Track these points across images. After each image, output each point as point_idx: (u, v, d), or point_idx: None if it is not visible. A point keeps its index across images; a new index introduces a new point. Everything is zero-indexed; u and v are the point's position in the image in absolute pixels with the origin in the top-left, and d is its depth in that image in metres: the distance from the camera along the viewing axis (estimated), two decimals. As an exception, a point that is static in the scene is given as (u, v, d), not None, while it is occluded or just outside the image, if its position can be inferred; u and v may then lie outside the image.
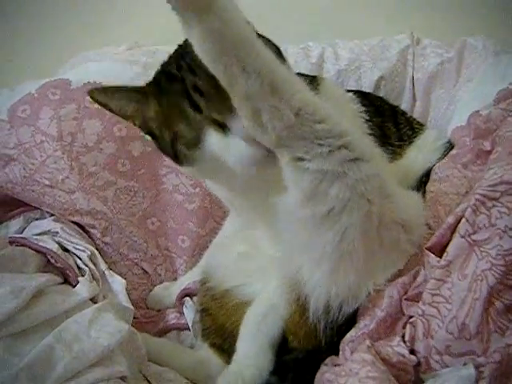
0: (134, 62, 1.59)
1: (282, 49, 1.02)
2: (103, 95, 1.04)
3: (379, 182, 0.90)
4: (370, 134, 0.97)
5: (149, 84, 1.04)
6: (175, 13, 0.77)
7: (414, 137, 1.24)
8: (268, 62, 0.82)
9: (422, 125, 1.33)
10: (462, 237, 0.86)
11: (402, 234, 0.95)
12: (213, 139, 0.94)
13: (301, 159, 0.86)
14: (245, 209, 1.19)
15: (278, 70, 0.83)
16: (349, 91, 1.26)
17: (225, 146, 0.93)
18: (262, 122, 0.83)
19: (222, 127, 0.93)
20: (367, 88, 1.57)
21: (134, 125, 1.07)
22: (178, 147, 0.99)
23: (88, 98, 1.41)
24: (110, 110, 1.05)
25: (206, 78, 0.91)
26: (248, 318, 1.12)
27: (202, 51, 0.80)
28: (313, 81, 1.17)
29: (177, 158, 1.02)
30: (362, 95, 1.21)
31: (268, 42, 0.99)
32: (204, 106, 0.93)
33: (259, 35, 0.94)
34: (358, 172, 0.87)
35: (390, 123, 1.23)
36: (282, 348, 1.07)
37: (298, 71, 1.41)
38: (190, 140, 0.96)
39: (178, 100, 0.96)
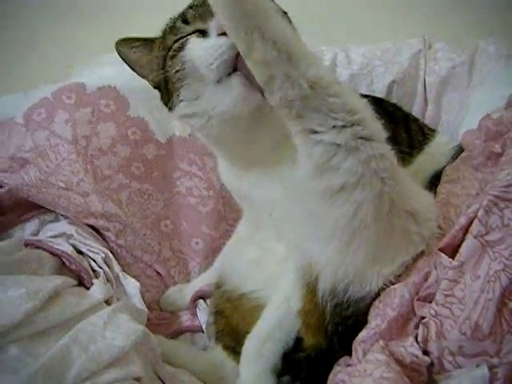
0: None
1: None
2: (126, 46, 1.13)
3: (391, 164, 0.92)
4: None
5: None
6: None
7: (425, 143, 1.25)
8: (286, 34, 0.85)
9: (433, 131, 1.34)
10: (475, 237, 0.86)
11: (412, 225, 0.96)
12: (191, 44, 1.00)
13: (314, 131, 0.88)
14: (253, 191, 1.17)
15: (295, 42, 0.86)
16: (364, 96, 1.26)
17: (199, 47, 0.98)
18: (275, 89, 0.85)
19: (203, 35, 1.00)
20: (379, 92, 1.58)
21: (147, 79, 1.14)
22: (167, 65, 1.05)
23: (103, 102, 1.45)
24: (130, 62, 1.14)
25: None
26: (250, 341, 1.13)
27: (224, 17, 0.84)
28: None
29: (170, 97, 1.07)
30: (375, 101, 1.22)
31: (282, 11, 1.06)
32: (191, 16, 1.03)
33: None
34: (371, 149, 0.89)
35: (402, 130, 1.24)
36: (296, 348, 1.07)
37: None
38: (177, 50, 1.02)
39: (175, 22, 1.06)
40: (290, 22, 1.08)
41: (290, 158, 0.95)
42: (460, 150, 1.24)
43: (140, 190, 1.54)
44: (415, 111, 1.58)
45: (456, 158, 1.21)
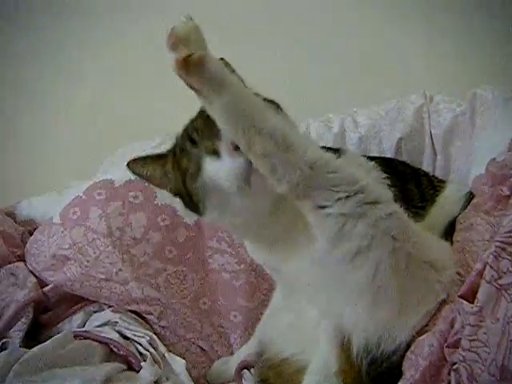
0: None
1: (304, 122, 1.11)
2: (137, 165, 1.18)
3: (400, 221, 0.99)
4: (394, 199, 1.05)
5: (169, 149, 1.18)
6: (196, 94, 0.91)
7: (436, 195, 1.29)
8: (279, 125, 0.94)
9: (443, 181, 1.38)
10: (489, 282, 0.90)
11: (432, 274, 1.02)
12: (207, 165, 1.05)
13: (322, 207, 0.95)
14: (281, 266, 1.22)
15: (289, 131, 0.95)
16: (374, 158, 1.32)
17: (217, 168, 1.04)
18: (280, 177, 0.93)
19: (215, 154, 1.04)
20: (388, 150, 1.63)
21: (166, 189, 1.20)
22: (188, 185, 1.10)
23: (131, 194, 1.54)
24: (145, 178, 1.20)
25: (201, 119, 1.08)
26: None
27: (222, 122, 0.93)
28: (336, 152, 1.25)
29: (195, 206, 1.12)
30: (384, 162, 1.27)
31: (271, 101, 1.12)
32: (198, 139, 1.08)
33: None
34: (377, 211, 0.96)
35: (413, 186, 1.29)
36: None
37: (322, 143, 1.51)
38: (194, 172, 1.08)
39: (184, 143, 1.11)
40: (282, 110, 1.14)
41: (307, 234, 1.01)
42: (471, 196, 1.28)
43: (176, 273, 1.60)
44: (426, 164, 1.63)
45: (468, 204, 1.25)
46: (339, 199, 0.94)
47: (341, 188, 0.95)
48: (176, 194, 1.18)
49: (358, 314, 1.01)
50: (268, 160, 0.92)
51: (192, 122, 1.14)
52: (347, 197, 0.95)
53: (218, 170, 1.03)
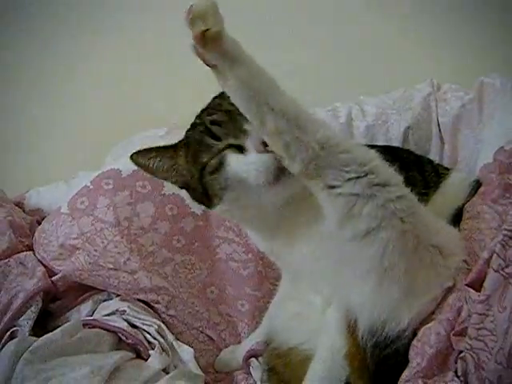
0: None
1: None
2: (142, 157, 1.16)
3: (408, 203, 0.99)
4: None
5: (179, 141, 1.18)
6: (212, 70, 0.92)
7: (441, 182, 1.29)
8: (291, 103, 0.95)
9: (448, 169, 1.38)
10: (496, 271, 0.90)
11: (439, 259, 1.02)
12: (232, 160, 1.05)
13: (332, 187, 0.96)
14: (283, 253, 1.23)
15: (301, 110, 0.95)
16: (378, 147, 1.32)
17: (243, 163, 1.04)
18: (292, 155, 0.94)
19: (240, 149, 1.05)
20: (395, 139, 1.63)
21: (171, 182, 1.19)
22: (206, 179, 1.10)
23: (139, 183, 1.54)
24: (149, 171, 1.18)
25: (222, 113, 1.08)
26: None
27: (236, 98, 0.94)
28: None
29: (208, 199, 1.13)
30: (386, 150, 1.27)
31: None
32: (222, 134, 1.08)
33: None
34: (387, 193, 0.97)
35: (416, 173, 1.29)
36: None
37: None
38: (215, 167, 1.08)
39: (202, 138, 1.11)
40: None
41: (313, 217, 1.04)
42: (478, 184, 1.28)
43: (183, 262, 1.61)
44: (433, 152, 1.62)
45: (475, 193, 1.25)
46: (350, 179, 0.95)
47: (351, 168, 0.95)
48: (182, 186, 1.18)
49: (365, 296, 1.02)
50: (280, 138, 0.93)
51: (209, 114, 1.14)
52: (357, 177, 0.95)
53: (244, 164, 1.04)
